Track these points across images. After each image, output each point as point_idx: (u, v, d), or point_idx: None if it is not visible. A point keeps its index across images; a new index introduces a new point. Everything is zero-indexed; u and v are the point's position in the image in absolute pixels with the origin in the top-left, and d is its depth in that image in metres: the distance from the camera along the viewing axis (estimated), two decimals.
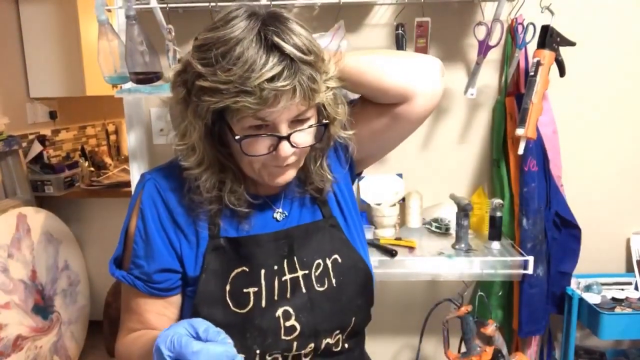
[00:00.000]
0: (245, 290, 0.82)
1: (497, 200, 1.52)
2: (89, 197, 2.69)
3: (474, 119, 1.75)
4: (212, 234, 0.84)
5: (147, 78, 1.47)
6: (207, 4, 1.49)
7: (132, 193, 0.89)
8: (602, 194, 1.77)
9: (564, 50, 1.52)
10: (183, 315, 0.88)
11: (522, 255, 1.50)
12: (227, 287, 0.82)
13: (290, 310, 0.83)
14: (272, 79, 0.68)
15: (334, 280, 0.87)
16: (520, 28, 1.54)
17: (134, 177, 1.81)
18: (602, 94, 1.72)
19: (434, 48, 1.68)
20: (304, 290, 0.85)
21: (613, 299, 1.67)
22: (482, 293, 1.58)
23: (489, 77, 1.71)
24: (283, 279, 0.84)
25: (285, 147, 0.75)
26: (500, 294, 1.72)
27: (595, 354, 1.83)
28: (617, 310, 1.61)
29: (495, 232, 1.53)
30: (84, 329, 2.61)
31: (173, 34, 1.47)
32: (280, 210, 0.89)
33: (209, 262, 0.83)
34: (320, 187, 0.90)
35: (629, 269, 1.82)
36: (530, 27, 1.52)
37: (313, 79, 0.72)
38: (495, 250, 1.52)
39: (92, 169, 3.09)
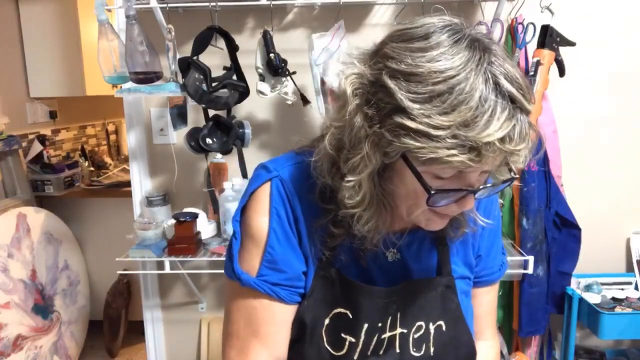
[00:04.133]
0: (342, 335, 0.76)
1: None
2: (89, 197, 2.68)
3: None
4: (325, 258, 0.76)
5: (147, 78, 1.47)
6: (207, 4, 1.49)
7: (250, 183, 0.79)
8: (602, 194, 1.77)
9: (563, 50, 1.52)
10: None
11: (522, 255, 1.50)
12: (326, 321, 0.77)
13: None
14: (503, 139, 0.57)
15: (432, 349, 0.78)
16: (520, 28, 1.54)
17: (134, 177, 1.81)
18: (602, 94, 1.72)
19: None
20: (397, 350, 0.77)
21: (613, 298, 1.67)
22: None
23: None
24: (382, 336, 0.78)
25: (471, 201, 0.66)
26: (500, 294, 1.71)
27: (595, 353, 1.83)
28: (617, 310, 1.61)
29: None
30: (84, 329, 2.61)
31: (173, 33, 1.47)
32: (394, 250, 0.80)
33: (315, 287, 0.77)
34: (454, 234, 0.79)
35: (629, 269, 1.82)
36: (530, 27, 1.52)
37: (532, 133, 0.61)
38: None
39: (92, 168, 3.09)
